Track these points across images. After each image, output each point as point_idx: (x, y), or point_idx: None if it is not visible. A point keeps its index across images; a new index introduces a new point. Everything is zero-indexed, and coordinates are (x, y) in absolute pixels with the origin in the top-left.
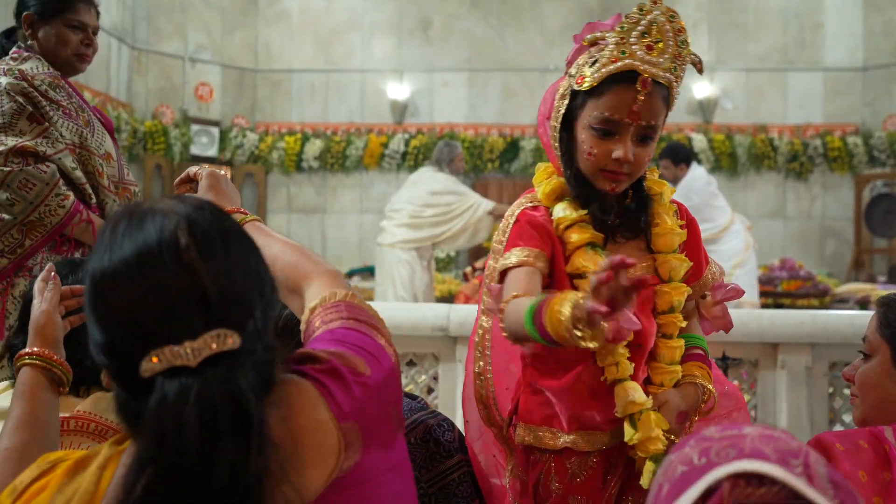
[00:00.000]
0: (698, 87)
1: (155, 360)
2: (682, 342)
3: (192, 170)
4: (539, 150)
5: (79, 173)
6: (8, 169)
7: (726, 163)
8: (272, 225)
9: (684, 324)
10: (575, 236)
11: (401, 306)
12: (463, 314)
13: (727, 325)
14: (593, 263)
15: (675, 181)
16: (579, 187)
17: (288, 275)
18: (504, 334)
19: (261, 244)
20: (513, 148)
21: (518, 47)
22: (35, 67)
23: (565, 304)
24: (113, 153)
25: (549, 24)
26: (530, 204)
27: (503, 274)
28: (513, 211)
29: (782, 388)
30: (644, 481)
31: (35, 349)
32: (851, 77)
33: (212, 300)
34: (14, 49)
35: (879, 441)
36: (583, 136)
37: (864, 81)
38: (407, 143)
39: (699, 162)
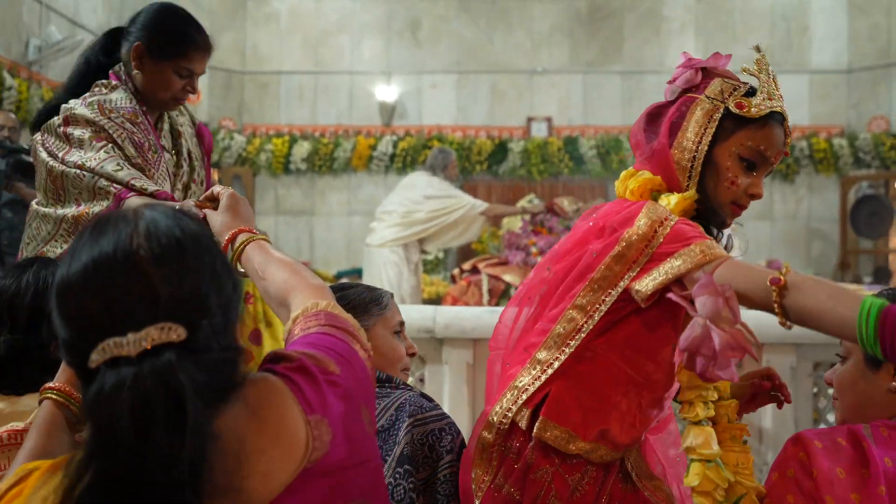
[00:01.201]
0: None
1: (100, 350)
2: None
3: (217, 189)
4: (527, 153)
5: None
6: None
7: None
8: (259, 227)
9: None
10: None
11: None
12: (449, 316)
13: None
14: None
15: None
16: (712, 211)
17: (278, 288)
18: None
19: (258, 262)
20: (501, 150)
21: (506, 49)
22: (118, 100)
23: None
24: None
25: (537, 27)
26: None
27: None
28: (655, 220)
29: None
30: None
31: (59, 384)
32: (837, 79)
33: (162, 299)
34: (111, 73)
35: (858, 439)
36: (728, 163)
37: (849, 83)
38: (395, 146)
39: None
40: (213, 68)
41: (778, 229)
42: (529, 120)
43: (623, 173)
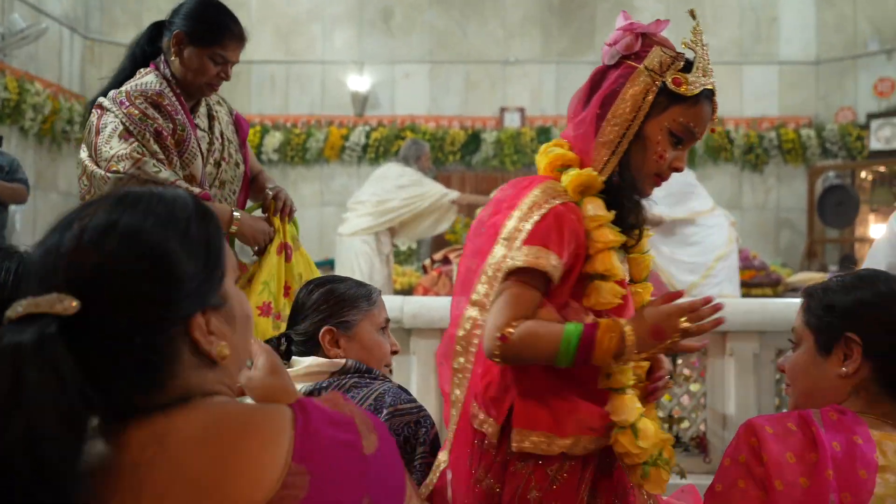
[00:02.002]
0: None
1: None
2: None
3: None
4: (500, 143)
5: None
6: (110, 183)
7: None
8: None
9: None
10: (604, 237)
11: None
12: (416, 306)
13: None
14: (618, 267)
15: None
16: (621, 185)
17: None
18: (498, 355)
19: None
20: (474, 140)
21: (479, 40)
22: (148, 83)
23: (628, 334)
24: (198, 174)
25: (510, 17)
26: (563, 198)
27: (514, 270)
28: (539, 201)
29: (731, 375)
30: (651, 488)
31: None
32: (805, 70)
33: (72, 267)
34: (152, 62)
35: (807, 424)
36: (658, 137)
37: (817, 75)
38: (368, 136)
39: None
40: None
41: (747, 219)
42: (502, 110)
43: (544, 146)
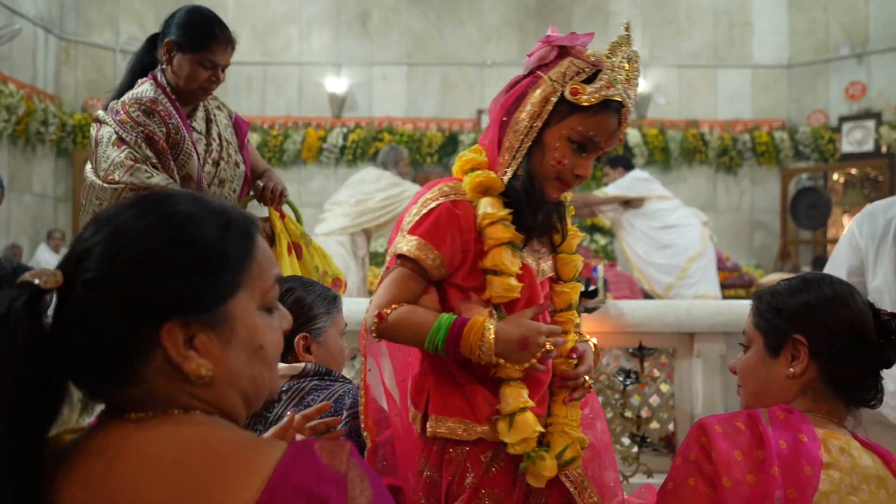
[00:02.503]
0: None
1: None
2: (575, 337)
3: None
4: None
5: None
6: (109, 192)
7: (659, 157)
8: None
9: (578, 319)
10: (497, 233)
11: None
12: None
13: None
14: (510, 262)
15: (613, 181)
16: (529, 188)
17: None
18: (374, 332)
19: None
20: (451, 142)
21: (456, 42)
22: (142, 92)
23: (489, 333)
24: (194, 174)
25: (486, 20)
26: (454, 196)
27: (396, 257)
28: (433, 197)
29: (698, 375)
30: (531, 481)
31: None
32: (778, 74)
33: (74, 254)
34: (150, 72)
35: (755, 422)
36: (557, 143)
37: (789, 78)
38: (345, 137)
39: (633, 156)
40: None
41: (722, 220)
42: (479, 112)
43: (468, 150)
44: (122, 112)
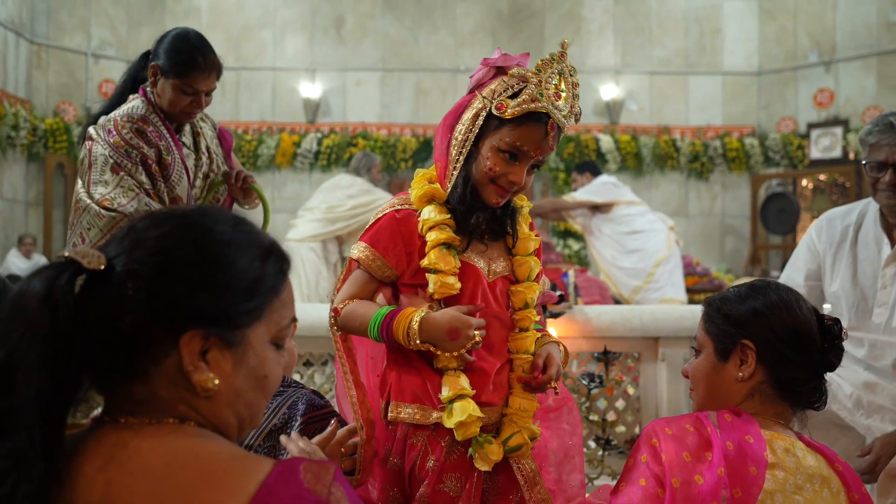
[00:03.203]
0: (605, 90)
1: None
2: (536, 334)
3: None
4: None
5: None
6: (106, 219)
7: (632, 163)
8: None
9: (537, 317)
10: (433, 235)
11: (298, 307)
12: None
13: (542, 323)
14: (444, 261)
15: (582, 186)
16: (465, 194)
17: None
18: (334, 325)
19: None
20: (426, 148)
21: (431, 48)
22: (134, 108)
23: (414, 321)
24: (184, 196)
25: (460, 26)
26: (401, 206)
27: (351, 262)
28: (384, 208)
29: (663, 379)
30: (478, 464)
31: None
32: (748, 81)
33: (124, 244)
34: (140, 87)
35: (703, 424)
36: (489, 153)
37: (759, 85)
38: (320, 143)
39: (605, 162)
40: (132, 62)
41: (694, 226)
42: None
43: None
44: (114, 133)
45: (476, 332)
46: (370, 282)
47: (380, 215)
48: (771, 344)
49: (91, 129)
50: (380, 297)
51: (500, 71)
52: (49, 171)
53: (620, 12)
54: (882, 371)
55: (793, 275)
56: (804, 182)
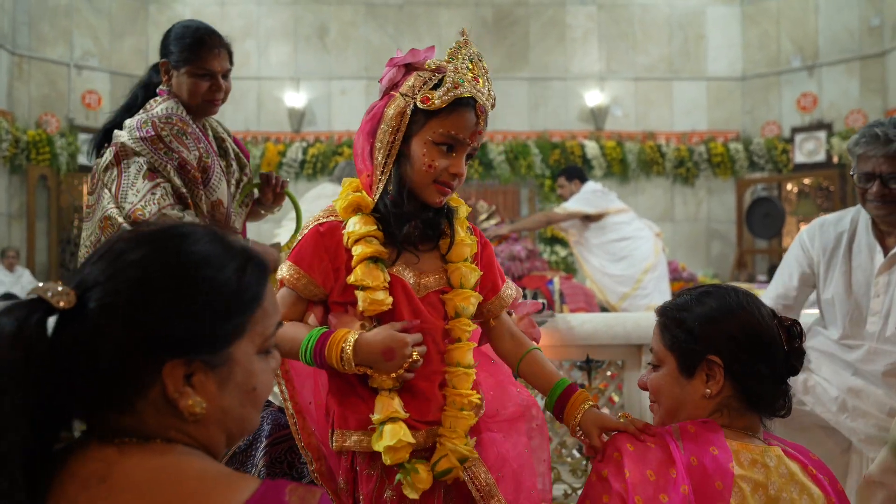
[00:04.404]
0: (590, 96)
1: None
2: (472, 345)
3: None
4: None
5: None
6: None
7: (618, 168)
8: None
9: (473, 327)
10: (359, 249)
11: None
12: None
13: (536, 337)
14: (371, 276)
15: (571, 195)
16: (399, 198)
17: None
18: None
19: None
20: None
21: None
22: (169, 109)
23: (347, 344)
24: (224, 199)
25: (444, 34)
26: (325, 219)
27: (281, 282)
28: (307, 225)
29: None
30: (407, 492)
31: None
32: (732, 86)
33: (90, 279)
34: (159, 89)
35: (665, 441)
36: (423, 150)
37: (743, 90)
38: (305, 152)
39: (591, 168)
40: (115, 73)
41: (680, 231)
42: None
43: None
44: (153, 133)
45: (414, 350)
46: (298, 302)
47: (305, 231)
48: (736, 356)
49: (121, 136)
50: (311, 318)
51: (411, 67)
52: (31, 182)
53: (604, 19)
54: (871, 375)
55: (785, 280)
56: (789, 186)
